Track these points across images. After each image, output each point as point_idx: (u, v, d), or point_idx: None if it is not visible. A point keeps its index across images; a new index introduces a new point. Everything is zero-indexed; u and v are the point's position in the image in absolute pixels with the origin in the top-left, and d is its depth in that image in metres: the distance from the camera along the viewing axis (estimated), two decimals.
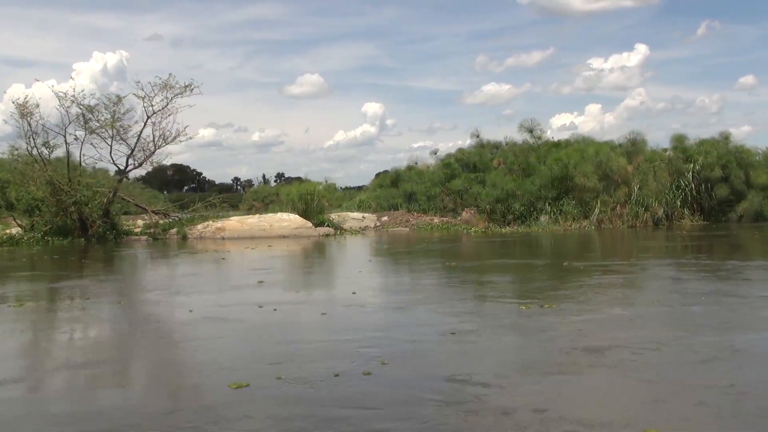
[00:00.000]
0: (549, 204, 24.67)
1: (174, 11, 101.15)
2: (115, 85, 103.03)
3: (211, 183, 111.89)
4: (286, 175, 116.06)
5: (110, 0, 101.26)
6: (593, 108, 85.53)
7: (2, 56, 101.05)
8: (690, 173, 26.31)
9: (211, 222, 22.44)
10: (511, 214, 24.78)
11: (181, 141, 22.15)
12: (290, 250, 17.76)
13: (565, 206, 24.43)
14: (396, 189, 32.02)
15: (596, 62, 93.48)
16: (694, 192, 26.28)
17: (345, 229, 24.64)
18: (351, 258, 16.91)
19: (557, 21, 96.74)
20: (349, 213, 28.60)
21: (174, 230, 22.10)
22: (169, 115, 21.94)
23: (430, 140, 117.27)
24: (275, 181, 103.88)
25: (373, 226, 27.18)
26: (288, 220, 22.49)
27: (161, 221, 23.11)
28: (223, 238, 21.37)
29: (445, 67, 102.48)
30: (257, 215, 23.70)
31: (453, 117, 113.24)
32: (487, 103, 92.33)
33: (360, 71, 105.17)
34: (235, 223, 22.40)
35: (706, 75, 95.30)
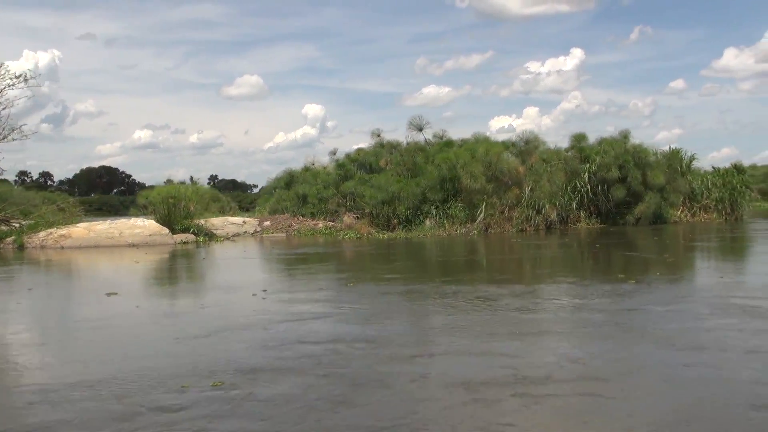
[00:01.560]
0: (435, 207, 23.04)
1: (107, 10, 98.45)
2: (47, 85, 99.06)
3: (141, 185, 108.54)
4: (220, 177, 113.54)
5: None
6: (531, 111, 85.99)
7: None
8: (586, 174, 25.03)
9: (55, 229, 20.10)
10: (395, 218, 23.07)
11: (14, 140, 19.76)
12: (101, 265, 15.62)
13: (452, 209, 22.85)
14: (289, 191, 30.09)
15: (534, 66, 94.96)
16: (590, 194, 25.02)
17: (215, 236, 22.59)
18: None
19: (496, 25, 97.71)
20: (229, 218, 26.64)
21: (11, 238, 19.70)
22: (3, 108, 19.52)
23: (372, 142, 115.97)
24: (208, 183, 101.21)
25: (252, 231, 25.20)
26: (141, 227, 20.29)
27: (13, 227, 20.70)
28: (63, 248, 19.07)
29: (386, 69, 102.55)
30: (109, 221, 21.42)
31: (394, 119, 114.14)
32: (428, 105, 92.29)
33: (300, 73, 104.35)
34: (81, 230, 20.08)
35: (639, 79, 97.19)
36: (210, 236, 22.62)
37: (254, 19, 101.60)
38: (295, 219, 26.37)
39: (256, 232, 25.13)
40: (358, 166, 28.68)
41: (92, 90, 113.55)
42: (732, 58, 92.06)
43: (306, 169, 32.09)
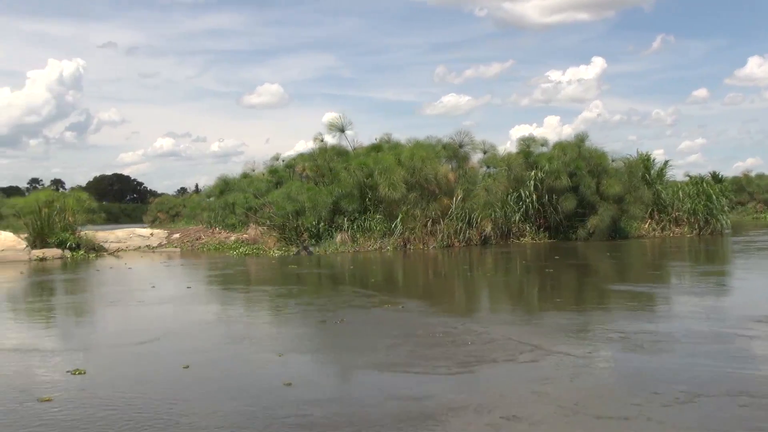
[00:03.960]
0: (350, 220, 20.16)
1: (128, 19, 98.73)
2: (71, 93, 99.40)
3: (153, 193, 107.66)
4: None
5: (63, 7, 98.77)
6: (552, 120, 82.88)
7: None
8: (532, 182, 21.96)
9: None
10: (306, 231, 20.24)
11: None
12: None
13: (368, 222, 19.97)
14: (221, 199, 27.44)
15: (554, 75, 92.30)
16: (536, 204, 21.95)
17: (102, 249, 20.02)
18: None
19: (515, 33, 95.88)
20: (136, 229, 24.00)
21: None
22: None
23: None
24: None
25: (157, 244, 22.55)
26: None
27: None
28: None
29: (405, 78, 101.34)
30: None
31: (413, 128, 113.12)
32: (448, 114, 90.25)
33: (320, 81, 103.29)
34: None
35: (661, 88, 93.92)
36: (97, 249, 20.08)
37: (274, 28, 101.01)
38: (209, 231, 23.73)
39: (160, 245, 22.51)
40: (292, 173, 25.88)
41: (115, 98, 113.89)
42: (756, 66, 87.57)
43: (244, 175, 29.42)
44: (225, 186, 29.09)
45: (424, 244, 19.65)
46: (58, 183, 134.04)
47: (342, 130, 22.77)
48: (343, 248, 19.08)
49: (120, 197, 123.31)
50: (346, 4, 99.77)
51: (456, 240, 20.00)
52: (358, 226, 19.93)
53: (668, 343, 6.14)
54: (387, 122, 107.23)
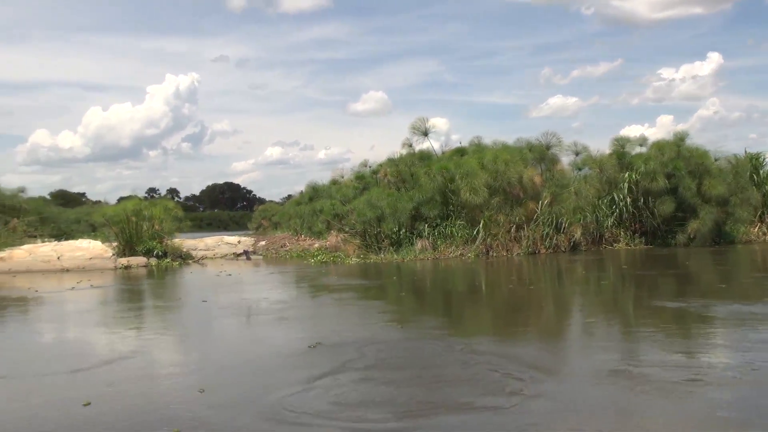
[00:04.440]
0: (431, 226, 19.59)
1: (239, 34, 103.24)
2: (187, 106, 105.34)
3: (261, 201, 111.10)
4: None
5: (178, 25, 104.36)
6: (665, 119, 79.79)
7: (80, 82, 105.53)
8: (626, 184, 20.69)
9: None
10: (386, 237, 19.82)
11: None
12: None
13: (450, 228, 19.34)
14: (308, 206, 27.55)
15: (667, 72, 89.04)
16: (630, 208, 20.65)
17: (190, 257, 20.38)
18: None
19: (624, 31, 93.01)
20: (224, 237, 24.34)
21: None
22: None
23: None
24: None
25: (241, 252, 22.75)
26: (84, 249, 18.29)
27: None
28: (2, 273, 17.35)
29: (510, 80, 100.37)
30: (53, 243, 19.58)
31: (519, 131, 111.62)
32: (554, 116, 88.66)
33: (424, 87, 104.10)
34: (23, 252, 18.32)
35: None
36: (184, 257, 20.44)
37: (377, 36, 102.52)
38: (294, 238, 23.74)
39: (245, 252, 22.67)
40: (378, 179, 25.56)
41: (227, 110, 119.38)
42: None
43: (333, 182, 29.43)
44: (314, 193, 29.26)
45: (507, 250, 18.82)
46: (173, 192, 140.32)
47: (425, 134, 22.24)
48: (422, 255, 18.54)
49: (231, 205, 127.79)
50: (449, 9, 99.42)
51: (542, 246, 19.07)
52: (439, 233, 19.33)
53: None
54: (491, 126, 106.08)
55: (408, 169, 21.41)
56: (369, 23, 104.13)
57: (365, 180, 25.85)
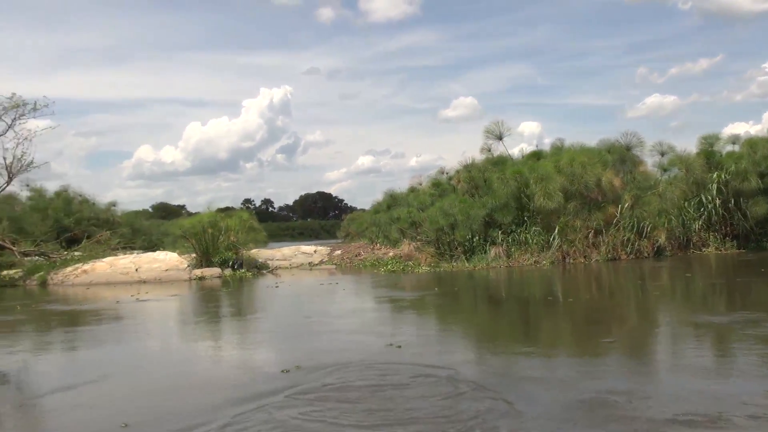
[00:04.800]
0: (504, 232, 19.00)
1: (330, 45, 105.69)
2: (281, 119, 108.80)
3: (352, 209, 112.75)
4: None
5: (271, 39, 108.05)
6: None
7: (179, 99, 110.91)
8: (714, 185, 19.50)
9: (81, 264, 19.12)
10: (460, 245, 19.37)
11: (28, 170, 19.16)
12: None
13: (524, 235, 18.70)
14: (386, 214, 27.37)
15: None
16: (719, 210, 19.44)
17: (265, 267, 20.59)
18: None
19: (725, 25, 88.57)
20: (301, 247, 24.47)
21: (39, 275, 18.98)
22: (24, 140, 18.95)
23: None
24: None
25: (319, 261, 22.80)
26: (160, 260, 18.69)
27: (43, 262, 20.08)
28: (73, 285, 17.94)
29: (604, 81, 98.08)
30: (132, 255, 20.07)
31: (615, 133, 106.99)
32: (651, 115, 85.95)
33: (515, 91, 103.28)
34: (104, 265, 18.90)
35: None
36: (260, 267, 20.65)
37: (467, 42, 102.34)
38: (370, 247, 23.60)
39: (321, 262, 22.71)
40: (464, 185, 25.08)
41: (319, 121, 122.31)
42: None
43: (411, 190, 29.15)
44: (392, 201, 29.06)
45: (585, 257, 18.03)
46: (267, 202, 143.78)
47: (500, 138, 21.63)
48: (494, 263, 18.00)
49: (323, 214, 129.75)
50: (540, 11, 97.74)
51: (623, 252, 18.17)
52: (513, 240, 18.73)
53: None
54: (585, 129, 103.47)
55: (481, 175, 20.87)
56: (458, 29, 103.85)
57: (442, 187, 25.43)
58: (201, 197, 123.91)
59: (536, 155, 22.02)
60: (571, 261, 17.93)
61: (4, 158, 19.08)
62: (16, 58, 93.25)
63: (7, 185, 19.68)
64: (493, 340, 7.79)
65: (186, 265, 18.67)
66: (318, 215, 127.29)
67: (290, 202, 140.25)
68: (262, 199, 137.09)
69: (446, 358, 6.42)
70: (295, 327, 9.31)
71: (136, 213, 40.55)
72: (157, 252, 20.13)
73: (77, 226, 30.95)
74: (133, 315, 11.57)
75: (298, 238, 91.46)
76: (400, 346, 6.95)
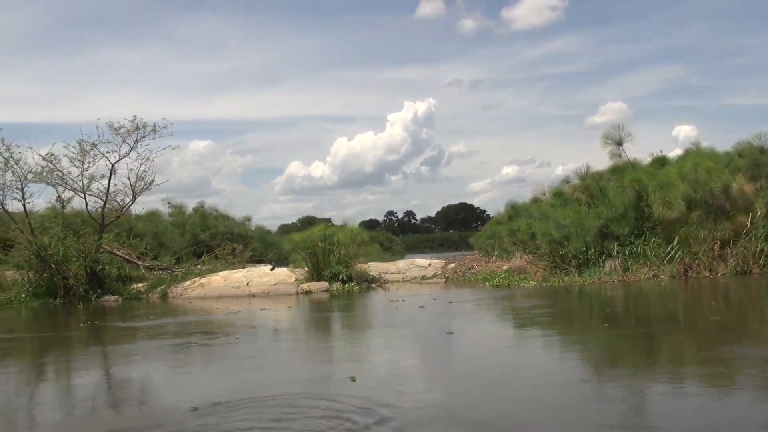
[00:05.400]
0: (621, 244, 17.83)
1: (472, 57, 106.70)
2: (425, 131, 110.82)
3: None
4: None
5: (414, 53, 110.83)
6: None
7: (327, 116, 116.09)
8: None
9: (199, 278, 19.93)
10: (574, 258, 18.39)
11: (149, 189, 20.19)
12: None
13: (642, 247, 17.45)
14: (506, 226, 26.60)
15: None
16: None
17: (371, 282, 20.58)
18: None
19: None
20: (416, 260, 24.26)
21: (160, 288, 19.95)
22: (146, 160, 20.02)
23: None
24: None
25: (432, 274, 22.50)
26: (270, 275, 19.14)
27: (166, 276, 21.12)
28: (189, 299, 18.70)
29: (764, 80, 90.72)
30: (245, 269, 20.60)
31: None
32: None
33: (667, 94, 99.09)
34: (219, 279, 19.59)
35: None
36: (370, 281, 20.68)
37: (614, 45, 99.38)
38: (485, 260, 23.00)
39: (434, 275, 22.37)
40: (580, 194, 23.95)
41: (462, 132, 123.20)
42: None
43: (534, 200, 28.13)
44: (513, 212, 28.23)
45: (710, 270, 16.55)
46: (409, 214, 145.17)
47: (619, 144, 20.31)
48: (606, 277, 16.91)
49: (465, 225, 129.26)
50: (691, 9, 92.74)
51: (755, 265, 16.51)
52: (630, 252, 17.53)
53: None
54: (745, 131, 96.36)
55: (596, 184, 19.75)
56: (604, 33, 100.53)
57: (564, 197, 24.32)
58: (348, 210, 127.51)
59: (660, 161, 20.58)
60: (694, 274, 16.52)
61: (129, 178, 20.16)
62: (180, 85, 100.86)
63: (132, 203, 20.77)
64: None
65: (294, 279, 18.97)
66: (460, 226, 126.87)
67: (433, 214, 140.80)
68: (405, 211, 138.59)
69: None
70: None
71: (283, 226, 41.99)
72: (266, 266, 20.65)
73: (212, 240, 32.50)
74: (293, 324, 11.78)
75: (437, 249, 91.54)
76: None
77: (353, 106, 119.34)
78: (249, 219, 39.76)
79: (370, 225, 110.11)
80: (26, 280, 19.78)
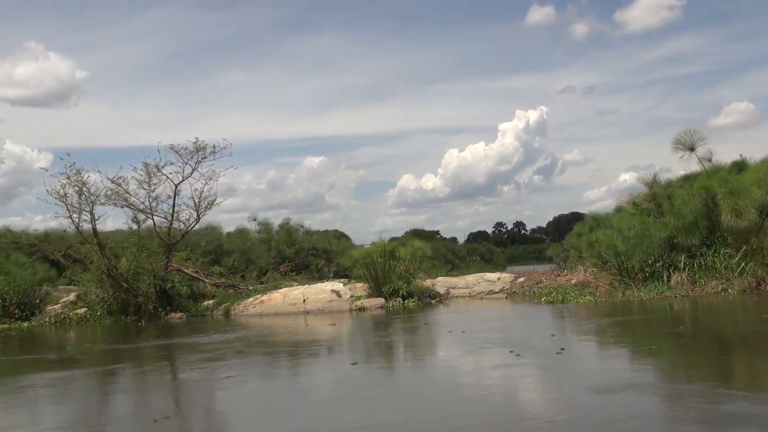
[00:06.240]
0: (690, 256, 16.65)
1: (584, 62, 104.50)
2: (537, 140, 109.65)
3: None
4: None
5: (524, 62, 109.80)
6: None
7: (437, 128, 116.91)
8: None
9: (260, 295, 20.21)
10: (641, 271, 17.34)
11: (211, 208, 20.71)
12: None
13: (711, 259, 16.23)
14: (586, 237, 25.49)
15: None
16: None
17: (433, 297, 20.23)
18: None
19: None
20: (485, 275, 23.65)
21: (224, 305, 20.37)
22: (209, 179, 20.56)
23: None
24: None
25: (500, 289, 21.88)
26: (325, 292, 19.10)
27: (232, 293, 21.55)
28: (246, 315, 18.98)
29: None
30: (304, 286, 20.64)
31: None
32: None
33: None
34: (278, 296, 19.77)
35: None
36: (432, 296, 20.35)
37: (738, 43, 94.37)
38: (555, 273, 22.12)
39: (502, 290, 21.71)
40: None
41: (576, 139, 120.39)
42: None
43: (618, 209, 26.81)
44: (594, 223, 27.02)
45: None
46: (519, 225, 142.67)
47: (691, 149, 18.99)
48: (669, 292, 15.80)
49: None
50: None
51: None
52: (698, 264, 16.34)
53: None
54: None
55: (664, 192, 18.57)
56: (726, 30, 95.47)
57: (641, 207, 23.05)
58: (461, 221, 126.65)
59: (739, 165, 19.12)
60: (766, 287, 15.19)
61: (193, 198, 20.77)
62: (293, 104, 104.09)
63: (197, 223, 21.37)
64: None
65: (349, 295, 18.90)
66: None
67: (544, 224, 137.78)
68: (515, 221, 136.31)
69: None
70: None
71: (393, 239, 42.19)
72: (325, 283, 20.67)
73: (297, 255, 33.04)
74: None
75: (543, 260, 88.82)
76: None
77: (463, 117, 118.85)
78: (339, 236, 40.19)
79: (478, 237, 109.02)
80: (101, 297, 20.66)
